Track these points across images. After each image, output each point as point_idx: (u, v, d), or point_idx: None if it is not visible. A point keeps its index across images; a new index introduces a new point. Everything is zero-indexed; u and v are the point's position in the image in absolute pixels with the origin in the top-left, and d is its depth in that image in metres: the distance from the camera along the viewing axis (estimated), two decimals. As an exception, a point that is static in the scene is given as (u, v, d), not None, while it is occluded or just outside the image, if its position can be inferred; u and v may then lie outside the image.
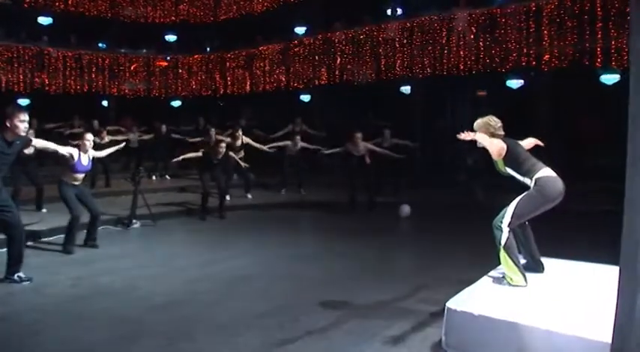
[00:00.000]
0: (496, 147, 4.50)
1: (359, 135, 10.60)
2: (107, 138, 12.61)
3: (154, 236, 8.97)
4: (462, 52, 13.21)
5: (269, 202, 11.87)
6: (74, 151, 7.31)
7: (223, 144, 10.43)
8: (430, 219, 10.18)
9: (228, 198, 10.90)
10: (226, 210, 10.43)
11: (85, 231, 7.76)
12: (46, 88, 17.21)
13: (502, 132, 4.65)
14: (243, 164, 11.47)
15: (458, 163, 11.76)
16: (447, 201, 11.76)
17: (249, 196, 12.01)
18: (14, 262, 5.96)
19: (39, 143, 6.51)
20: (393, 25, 14.40)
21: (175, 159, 10.99)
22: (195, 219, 10.20)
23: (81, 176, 7.55)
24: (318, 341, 4.35)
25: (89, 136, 7.67)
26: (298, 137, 12.87)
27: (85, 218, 7.63)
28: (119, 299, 5.54)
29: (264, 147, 12.44)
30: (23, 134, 5.77)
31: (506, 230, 4.32)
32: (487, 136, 4.54)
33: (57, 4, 17.57)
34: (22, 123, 5.65)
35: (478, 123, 4.72)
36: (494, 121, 4.66)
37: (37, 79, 17.11)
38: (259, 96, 17.72)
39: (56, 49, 17.54)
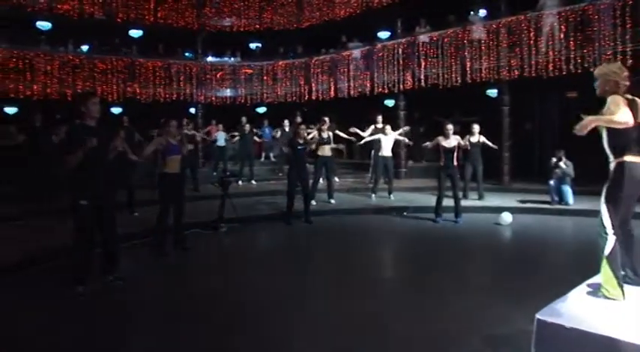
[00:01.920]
0: (621, 119, 3.87)
1: (450, 127, 10.24)
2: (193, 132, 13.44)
3: (240, 239, 9.27)
4: (550, 53, 12.75)
5: (356, 207, 11.91)
6: (160, 139, 7.78)
7: (303, 127, 10.71)
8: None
9: (314, 202, 11.05)
10: (312, 214, 10.53)
11: (174, 234, 8.02)
12: (137, 97, 18.08)
13: (627, 83, 4.14)
14: (338, 146, 11.98)
15: (548, 166, 11.35)
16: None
17: (332, 201, 12.12)
18: (109, 262, 6.31)
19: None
20: (478, 27, 14.12)
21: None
22: (282, 223, 10.32)
23: (177, 158, 7.81)
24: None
25: (173, 122, 7.99)
26: (388, 127, 12.94)
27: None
28: (213, 301, 5.75)
29: (353, 138, 13.44)
30: (97, 115, 5.97)
31: (612, 238, 4.02)
32: (612, 106, 3.94)
33: (147, 17, 18.46)
34: (95, 105, 5.96)
35: (601, 69, 4.25)
36: (620, 69, 4.16)
37: (129, 89, 18.00)
38: (343, 102, 17.80)
39: (146, 60, 18.39)
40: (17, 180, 11.25)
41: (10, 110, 17.12)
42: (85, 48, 18.83)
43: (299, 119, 14.30)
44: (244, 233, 9.71)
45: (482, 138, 12.17)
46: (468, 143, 11.09)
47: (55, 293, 6.01)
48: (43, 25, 17.61)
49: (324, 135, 11.94)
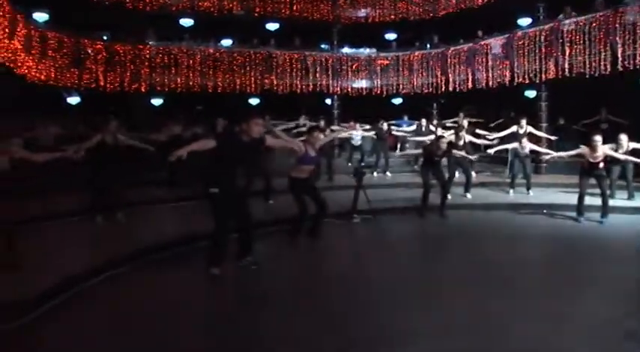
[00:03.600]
0: None
1: (598, 138, 9.56)
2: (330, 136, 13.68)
3: (372, 230, 9.56)
4: None
5: (492, 203, 11.78)
6: (301, 145, 7.98)
7: (444, 141, 10.57)
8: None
9: (449, 196, 11.11)
10: (447, 208, 10.57)
11: (312, 223, 8.37)
12: (275, 88, 19.00)
13: None
14: (470, 156, 11.81)
15: None
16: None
17: (469, 196, 12.09)
18: (244, 248, 6.81)
19: (270, 141, 7.10)
20: (633, 8, 13.31)
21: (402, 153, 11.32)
22: (414, 215, 10.44)
23: (308, 168, 8.11)
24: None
25: (316, 134, 8.23)
26: (525, 139, 12.34)
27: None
28: (339, 287, 6.13)
29: (490, 151, 12.78)
30: (257, 136, 6.46)
31: None
32: None
33: (283, 10, 19.44)
34: (257, 126, 6.44)
35: None
36: None
37: (266, 80, 18.97)
38: (481, 93, 17.55)
39: (283, 52, 19.26)
40: (167, 168, 12.18)
41: (156, 102, 18.66)
42: (225, 43, 20.06)
43: (441, 131, 13.94)
44: (377, 224, 9.90)
45: (633, 145, 10.71)
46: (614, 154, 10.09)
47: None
48: (186, 22, 19.05)
49: (460, 142, 11.90)
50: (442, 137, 10.86)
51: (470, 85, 17.76)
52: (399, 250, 8.22)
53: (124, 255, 7.05)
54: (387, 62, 19.93)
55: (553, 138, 14.15)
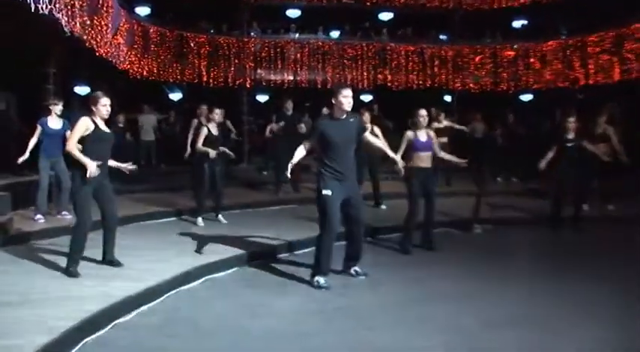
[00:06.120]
0: None
1: None
2: (445, 122, 13.11)
3: (496, 243, 8.83)
4: None
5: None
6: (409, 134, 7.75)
7: (572, 119, 9.44)
8: None
9: (585, 207, 10.06)
10: (583, 220, 9.55)
11: (422, 231, 8.00)
12: (389, 84, 18.48)
13: None
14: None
15: None
16: None
17: (610, 207, 10.89)
18: (352, 256, 6.53)
19: (370, 137, 6.87)
20: None
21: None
22: (546, 227, 9.56)
23: (425, 155, 7.76)
24: None
25: (422, 112, 7.93)
26: None
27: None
28: (450, 307, 5.56)
29: None
30: (347, 109, 6.15)
31: None
32: None
33: (397, -1, 18.80)
34: (347, 98, 6.11)
35: None
36: None
37: (379, 75, 18.50)
38: (631, 86, 16.08)
39: (398, 44, 18.69)
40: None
41: (262, 98, 18.72)
42: (334, 34, 19.81)
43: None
44: (501, 236, 9.26)
45: None
46: None
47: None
48: (293, 12, 18.98)
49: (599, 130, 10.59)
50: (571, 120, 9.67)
51: (616, 76, 16.35)
52: (527, 268, 7.31)
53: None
54: (515, 53, 18.86)
55: None
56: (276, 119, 12.87)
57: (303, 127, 11.78)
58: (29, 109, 11.21)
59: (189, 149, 10.38)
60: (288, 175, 6.44)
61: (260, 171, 15.58)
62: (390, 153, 7.01)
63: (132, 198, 10.92)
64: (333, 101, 6.23)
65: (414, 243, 7.88)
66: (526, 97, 19.24)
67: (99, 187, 6.17)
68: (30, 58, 11.72)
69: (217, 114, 9.41)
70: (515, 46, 19.03)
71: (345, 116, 6.21)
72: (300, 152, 6.37)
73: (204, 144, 9.11)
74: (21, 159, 8.74)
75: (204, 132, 9.17)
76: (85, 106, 6.48)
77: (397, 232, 8.28)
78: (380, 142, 7.51)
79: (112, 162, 6.46)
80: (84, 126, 6.10)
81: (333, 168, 6.14)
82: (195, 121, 10.66)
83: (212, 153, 9.05)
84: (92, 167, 5.95)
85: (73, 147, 6.10)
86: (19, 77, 11.84)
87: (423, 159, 7.77)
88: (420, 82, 18.73)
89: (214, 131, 9.29)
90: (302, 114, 12.12)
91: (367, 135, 6.71)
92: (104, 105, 6.17)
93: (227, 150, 9.73)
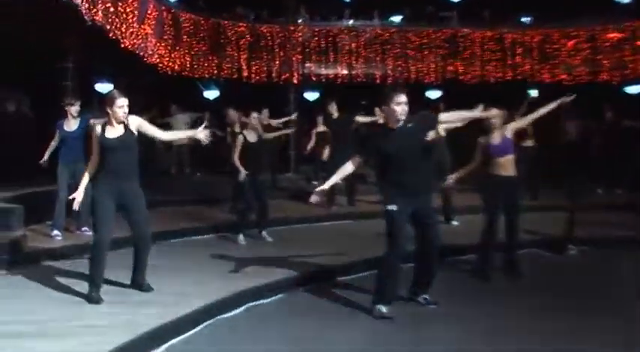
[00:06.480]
0: None
1: None
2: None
3: (592, 268, 8.67)
4: None
5: None
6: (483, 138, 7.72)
7: None
8: None
9: None
10: None
11: (504, 253, 7.92)
12: (461, 77, 18.35)
13: None
14: None
15: None
16: None
17: None
18: (422, 281, 6.59)
19: (447, 116, 6.86)
20: None
21: None
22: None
23: (504, 160, 7.67)
24: None
25: (495, 113, 7.75)
26: None
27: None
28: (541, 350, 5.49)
29: None
30: (402, 117, 6.10)
31: None
32: None
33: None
34: (401, 106, 6.05)
35: None
36: None
37: (449, 67, 18.38)
38: None
39: (472, 30, 18.53)
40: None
41: (311, 96, 18.76)
42: (395, 20, 19.74)
43: None
44: (602, 259, 9.08)
45: None
46: None
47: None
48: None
49: None
50: None
51: None
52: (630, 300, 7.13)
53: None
54: (621, 35, 18.33)
55: None
56: (323, 122, 12.97)
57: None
58: (45, 110, 11.49)
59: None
60: (315, 199, 6.47)
61: (309, 181, 15.68)
62: (476, 113, 7.05)
63: (164, 211, 11.18)
64: (385, 108, 6.24)
65: (494, 267, 7.81)
66: (634, 89, 18.61)
67: (125, 199, 6.32)
68: (45, 51, 12.01)
69: (255, 118, 9.50)
70: (620, 27, 18.52)
71: (401, 123, 6.17)
72: (346, 169, 6.39)
73: (242, 156, 9.24)
74: (42, 161, 9.08)
75: (239, 141, 9.28)
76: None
77: (473, 253, 8.25)
78: (456, 113, 7.30)
79: None
80: (93, 135, 6.34)
81: (397, 182, 6.14)
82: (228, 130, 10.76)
83: (242, 175, 9.21)
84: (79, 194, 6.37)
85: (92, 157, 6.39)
86: (32, 73, 12.16)
87: (502, 166, 7.68)
88: (499, 74, 18.52)
89: (252, 138, 9.38)
90: (353, 114, 12.09)
91: (442, 117, 6.60)
92: (121, 107, 6.26)
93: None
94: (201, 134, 6.59)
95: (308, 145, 14.28)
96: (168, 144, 15.66)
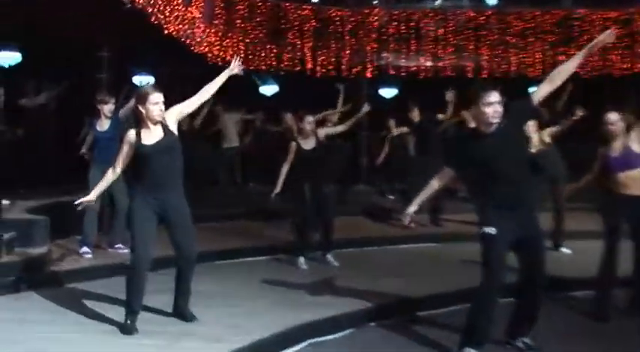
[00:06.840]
0: None
1: None
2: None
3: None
4: None
5: None
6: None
7: None
8: None
9: None
10: None
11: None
12: (576, 70, 17.86)
13: None
14: None
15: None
16: None
17: None
18: (522, 320, 6.39)
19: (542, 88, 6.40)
20: None
21: None
22: None
23: (625, 176, 7.40)
24: None
25: (611, 117, 7.47)
26: None
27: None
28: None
29: None
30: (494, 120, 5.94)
31: None
32: None
33: None
34: (491, 107, 5.89)
35: None
36: None
37: (560, 57, 17.78)
38: None
39: (590, 10, 18.08)
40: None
41: (388, 92, 18.69)
42: (491, 1, 19.54)
43: None
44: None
45: None
46: None
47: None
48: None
49: None
50: None
51: None
52: None
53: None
54: None
55: None
56: (395, 124, 12.90)
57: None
58: (76, 106, 11.67)
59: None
60: (408, 220, 6.54)
61: (383, 194, 15.62)
62: (579, 53, 6.52)
63: (212, 227, 11.26)
64: (474, 110, 6.16)
65: (616, 305, 7.65)
66: None
67: (167, 211, 6.35)
68: (77, 38, 12.21)
69: (309, 123, 9.49)
70: None
71: (494, 127, 6.05)
72: (434, 185, 6.35)
73: (297, 166, 9.23)
74: (82, 152, 9.45)
75: (292, 148, 9.31)
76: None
77: (588, 288, 8.07)
78: (551, 75, 6.86)
79: None
80: (126, 142, 6.38)
81: (496, 196, 6.04)
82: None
83: (277, 188, 9.33)
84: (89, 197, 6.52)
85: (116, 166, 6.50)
86: (63, 64, 12.37)
87: (623, 182, 7.46)
88: (626, 66, 18.15)
89: (308, 145, 9.39)
90: (434, 115, 12.01)
91: (536, 94, 6.24)
92: (155, 104, 6.25)
93: None
94: (236, 68, 6.80)
95: (382, 152, 14.22)
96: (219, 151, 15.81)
